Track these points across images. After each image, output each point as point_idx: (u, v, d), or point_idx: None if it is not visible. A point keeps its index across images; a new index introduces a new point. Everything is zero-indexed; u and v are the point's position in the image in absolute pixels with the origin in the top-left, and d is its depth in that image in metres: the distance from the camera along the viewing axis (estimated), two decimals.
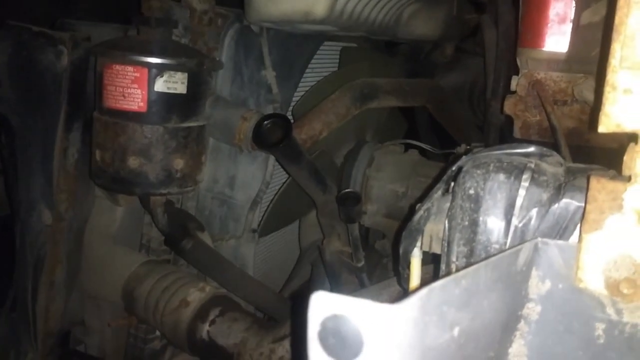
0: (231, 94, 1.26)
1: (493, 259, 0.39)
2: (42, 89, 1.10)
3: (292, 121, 1.36)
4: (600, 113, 0.40)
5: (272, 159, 1.27)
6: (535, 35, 0.81)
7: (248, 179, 1.29)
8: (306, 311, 0.33)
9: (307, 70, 1.47)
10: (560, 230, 0.47)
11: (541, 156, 0.52)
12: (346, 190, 1.15)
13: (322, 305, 0.32)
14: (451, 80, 1.98)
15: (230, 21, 1.24)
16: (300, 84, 1.44)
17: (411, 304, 0.33)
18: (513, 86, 0.87)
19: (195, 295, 1.16)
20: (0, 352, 1.26)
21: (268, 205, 1.37)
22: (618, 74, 0.39)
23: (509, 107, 0.88)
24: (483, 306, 0.39)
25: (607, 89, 0.40)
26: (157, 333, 1.35)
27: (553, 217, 0.47)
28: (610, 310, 0.42)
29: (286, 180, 1.37)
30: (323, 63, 1.55)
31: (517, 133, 0.89)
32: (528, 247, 0.43)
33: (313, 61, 1.48)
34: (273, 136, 1.05)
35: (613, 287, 0.41)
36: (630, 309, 0.42)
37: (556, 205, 0.47)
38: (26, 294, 1.20)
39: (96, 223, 1.31)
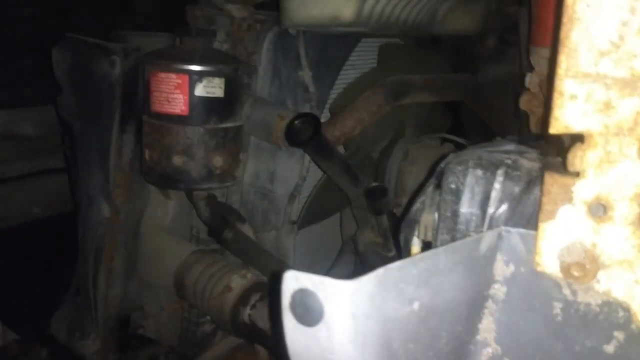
0: (270, 94, 1.34)
1: (452, 244, 0.45)
2: (98, 95, 1.22)
3: (327, 118, 1.43)
4: (551, 117, 0.45)
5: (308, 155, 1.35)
6: (545, 34, 0.84)
7: (287, 173, 1.37)
8: (280, 286, 0.40)
9: (348, 67, 1.53)
10: (531, 221, 0.52)
11: (520, 153, 0.57)
12: (373, 184, 1.22)
13: (292, 281, 0.40)
14: (494, 73, 1.99)
15: (269, 26, 1.31)
16: (341, 81, 1.50)
17: (366, 280, 0.40)
18: (526, 83, 0.90)
19: (238, 282, 1.25)
20: (67, 332, 1.40)
21: (307, 199, 1.45)
22: (564, 82, 0.44)
23: (523, 103, 0.92)
24: (444, 285, 0.45)
25: (556, 95, 0.45)
26: (208, 317, 1.45)
27: (524, 209, 0.53)
28: (566, 291, 0.47)
29: (323, 175, 1.44)
30: (364, 59, 1.60)
31: (533, 128, 0.93)
32: (491, 234, 0.48)
33: (354, 58, 1.54)
34: (305, 134, 1.13)
35: (566, 270, 0.46)
36: (584, 290, 0.47)
37: (527, 198, 0.53)
38: (88, 280, 1.33)
39: (151, 215, 1.43)
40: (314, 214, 1.45)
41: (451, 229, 0.56)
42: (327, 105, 1.47)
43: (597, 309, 0.46)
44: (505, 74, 2.00)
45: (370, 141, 1.52)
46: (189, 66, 1.05)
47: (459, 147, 1.57)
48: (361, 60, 1.58)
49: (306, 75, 1.37)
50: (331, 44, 1.43)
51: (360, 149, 1.45)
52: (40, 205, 2.09)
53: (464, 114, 2.06)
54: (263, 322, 1.23)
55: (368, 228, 1.33)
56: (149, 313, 1.53)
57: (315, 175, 1.45)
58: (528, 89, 0.92)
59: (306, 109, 1.37)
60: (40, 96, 1.85)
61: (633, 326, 0.45)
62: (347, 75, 1.53)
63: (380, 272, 0.41)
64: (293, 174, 1.36)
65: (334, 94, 1.49)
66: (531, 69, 0.92)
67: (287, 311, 0.40)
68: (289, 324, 0.40)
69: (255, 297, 1.24)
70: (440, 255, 0.45)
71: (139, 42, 1.23)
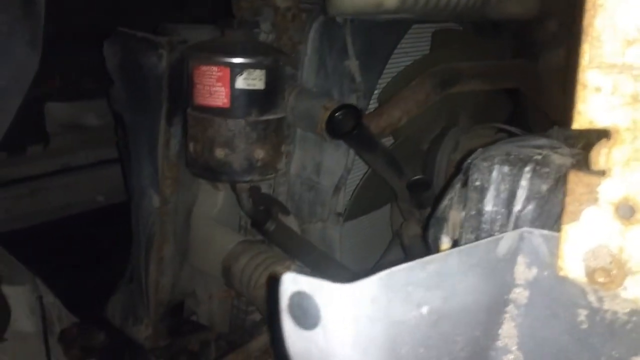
0: (316, 85, 1.33)
1: (466, 246, 0.43)
2: (146, 88, 1.25)
3: (374, 108, 1.41)
4: (574, 111, 0.42)
5: None
6: None
7: (333, 165, 1.36)
8: (278, 288, 0.39)
9: (400, 55, 1.49)
10: (560, 221, 0.49)
11: (552, 148, 0.54)
12: (415, 177, 1.19)
13: (290, 284, 0.39)
14: (555, 59, 1.90)
15: (314, 15, 1.30)
16: (392, 69, 1.47)
17: (368, 283, 0.38)
18: None
19: (281, 273, 1.26)
20: (121, 317, 1.45)
21: (353, 190, 1.44)
22: (588, 73, 0.41)
23: None
24: (457, 289, 0.43)
25: (579, 87, 0.41)
26: None
27: (552, 208, 0.50)
28: (592, 298, 0.44)
29: (370, 167, 1.42)
30: (417, 46, 1.56)
31: None
32: (512, 236, 0.46)
33: (406, 45, 1.50)
34: (346, 126, 1.11)
35: (591, 275, 0.43)
36: (611, 297, 0.43)
37: (556, 196, 0.50)
38: (140, 268, 1.38)
39: (200, 206, 1.46)
40: (360, 206, 1.43)
41: (476, 228, 0.53)
42: (376, 95, 1.44)
43: (625, 317, 0.43)
44: (567, 59, 1.90)
45: (419, 131, 1.48)
46: (230, 59, 1.06)
47: None
48: (414, 47, 1.53)
49: (352, 64, 1.35)
50: (378, 31, 1.40)
51: (408, 140, 1.42)
52: (104, 194, 2.18)
53: (526, 102, 1.98)
54: None
55: (413, 221, 1.31)
56: (200, 300, 1.57)
57: (362, 166, 1.43)
58: None
59: (352, 99, 1.35)
60: (103, 88, 1.92)
61: None
62: (399, 63, 1.49)
63: (383, 274, 0.39)
64: (339, 165, 1.35)
65: (382, 82, 1.46)
66: None
67: (285, 313, 0.39)
68: (288, 326, 0.39)
69: None
70: (452, 257, 0.43)
71: (186, 35, 1.25)
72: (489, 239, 0.45)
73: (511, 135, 1.50)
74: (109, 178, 2.15)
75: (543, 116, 1.91)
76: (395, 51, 1.48)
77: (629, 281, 0.42)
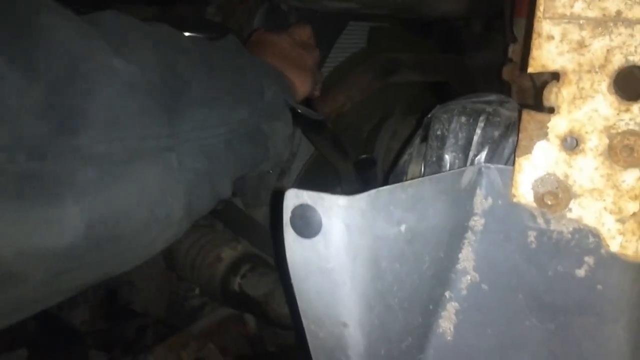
0: None
1: (437, 175, 0.49)
2: None
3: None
4: (529, 57, 0.49)
5: (298, 131, 1.38)
6: (526, 5, 0.88)
7: None
8: (282, 203, 0.44)
9: (338, 49, 1.56)
10: (509, 162, 0.56)
11: (500, 103, 0.61)
12: (362, 156, 1.25)
13: (293, 198, 0.43)
14: (480, 58, 2.03)
15: (260, 1, 1.34)
16: (331, 62, 1.53)
17: (360, 198, 0.43)
18: (510, 54, 0.95)
19: (228, 253, 1.28)
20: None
21: (297, 175, 1.48)
22: (542, 24, 0.48)
23: (506, 73, 0.96)
24: (428, 212, 0.49)
25: (534, 36, 0.48)
26: (197, 291, 1.48)
27: (502, 150, 0.57)
28: (540, 221, 0.51)
29: (314, 152, 1.47)
30: (353, 42, 1.64)
31: (514, 97, 0.97)
32: (472, 169, 0.52)
33: (343, 40, 1.57)
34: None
35: (540, 200, 0.50)
36: (556, 219, 0.51)
37: (506, 141, 0.57)
38: None
39: None
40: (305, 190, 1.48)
41: (436, 173, 0.59)
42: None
43: (569, 236, 0.50)
44: (490, 59, 2.04)
45: (359, 120, 1.55)
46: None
47: None
48: (350, 44, 1.61)
49: None
50: (322, 22, 1.46)
51: (349, 128, 1.49)
52: None
53: (453, 96, 2.10)
54: (252, 291, 1.26)
55: None
56: (138, 287, 1.56)
57: (307, 151, 1.48)
58: (511, 59, 0.96)
59: None
60: None
61: (602, 251, 0.49)
62: (336, 57, 1.56)
63: (372, 192, 0.44)
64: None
65: (324, 72, 1.52)
66: (514, 39, 0.96)
67: (287, 227, 0.43)
68: (289, 238, 0.43)
69: (245, 267, 1.27)
70: (425, 183, 0.48)
71: (131, 14, 1.25)
72: (455, 170, 0.51)
73: None
74: None
75: None
76: (335, 44, 1.54)
77: (573, 203, 0.50)
